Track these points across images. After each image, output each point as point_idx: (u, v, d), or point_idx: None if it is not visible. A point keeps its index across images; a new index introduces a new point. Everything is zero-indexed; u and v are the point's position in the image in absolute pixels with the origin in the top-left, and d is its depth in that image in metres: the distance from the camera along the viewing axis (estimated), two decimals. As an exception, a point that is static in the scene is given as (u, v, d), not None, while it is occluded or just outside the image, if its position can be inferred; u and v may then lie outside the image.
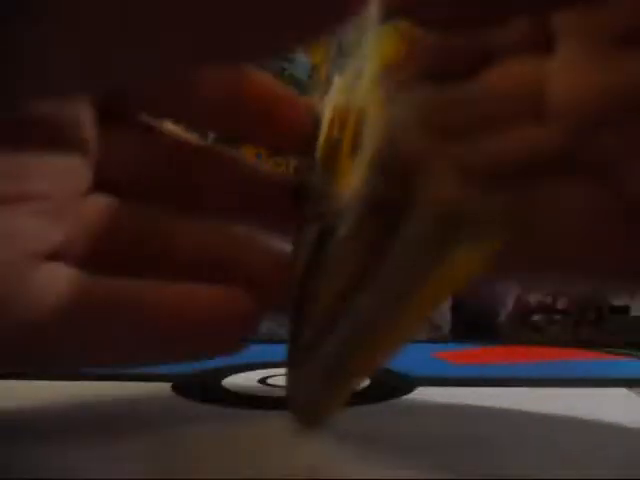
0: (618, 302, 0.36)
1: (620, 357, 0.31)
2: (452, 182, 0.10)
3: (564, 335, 0.37)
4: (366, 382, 0.25)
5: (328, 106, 0.15)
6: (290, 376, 0.14)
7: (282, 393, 0.23)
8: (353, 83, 0.13)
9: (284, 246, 0.16)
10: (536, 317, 0.38)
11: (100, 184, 0.15)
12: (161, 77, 0.12)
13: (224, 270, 0.16)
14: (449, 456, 0.15)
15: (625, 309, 0.36)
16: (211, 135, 0.19)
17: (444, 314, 0.39)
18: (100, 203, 0.15)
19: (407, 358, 0.32)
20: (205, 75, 0.15)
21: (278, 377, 0.26)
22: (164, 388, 0.23)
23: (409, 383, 0.24)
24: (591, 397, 0.22)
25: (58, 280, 0.14)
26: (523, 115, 0.10)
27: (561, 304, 0.37)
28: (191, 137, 0.17)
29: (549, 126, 0.10)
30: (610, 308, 0.36)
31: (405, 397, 0.22)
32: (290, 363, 0.14)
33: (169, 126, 0.16)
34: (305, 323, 0.13)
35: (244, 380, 0.25)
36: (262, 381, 0.25)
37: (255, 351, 0.33)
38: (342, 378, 0.12)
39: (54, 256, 0.14)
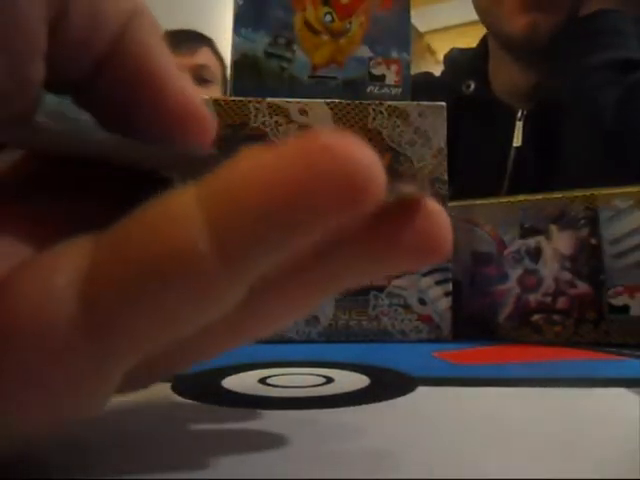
0: (618, 302, 0.36)
1: (620, 357, 0.31)
2: None
3: (564, 335, 0.37)
4: (366, 382, 0.25)
5: None
6: None
7: (282, 393, 0.23)
8: None
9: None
10: (536, 317, 0.38)
11: None
12: None
13: None
14: (449, 456, 0.16)
15: (625, 309, 0.36)
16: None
17: (444, 314, 0.39)
18: None
19: (407, 358, 0.32)
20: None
21: (278, 377, 0.26)
22: (164, 388, 0.23)
23: (409, 383, 0.24)
24: (591, 397, 0.22)
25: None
26: None
27: (561, 304, 0.37)
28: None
29: None
30: (610, 308, 0.36)
31: (405, 397, 0.22)
32: None
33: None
34: None
35: (244, 380, 0.25)
36: (262, 381, 0.25)
37: (255, 351, 0.33)
38: None
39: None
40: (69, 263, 0.10)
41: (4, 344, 0.10)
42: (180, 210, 0.10)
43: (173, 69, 0.15)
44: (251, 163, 0.09)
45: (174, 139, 0.15)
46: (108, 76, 0.14)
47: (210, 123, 0.15)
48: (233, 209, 0.09)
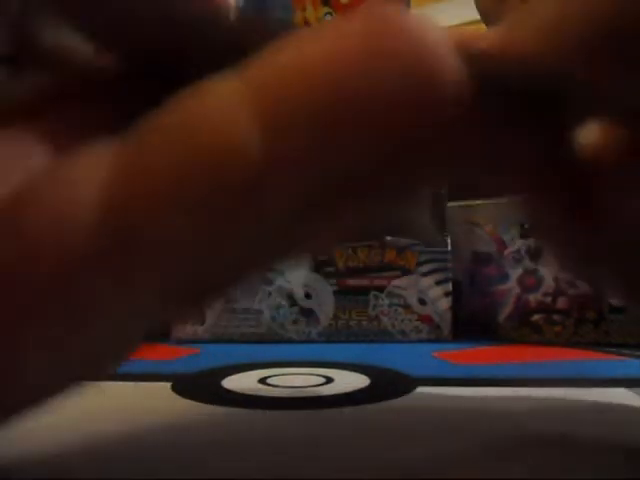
0: (618, 302, 0.36)
1: (620, 357, 0.31)
2: None
3: (564, 335, 0.37)
4: (366, 382, 0.25)
5: None
6: None
7: (282, 393, 0.23)
8: None
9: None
10: (536, 317, 0.38)
11: None
12: None
13: None
14: (449, 456, 0.15)
15: (625, 309, 0.36)
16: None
17: (444, 314, 0.39)
18: None
19: (407, 358, 0.32)
20: None
21: (278, 377, 0.26)
22: (164, 388, 0.23)
23: (409, 383, 0.24)
24: (591, 397, 0.22)
25: None
26: None
27: (561, 304, 0.37)
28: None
29: None
30: (610, 308, 0.36)
31: (405, 397, 0.22)
32: None
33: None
34: None
35: (244, 380, 0.25)
36: (262, 381, 0.25)
37: (255, 351, 0.33)
38: None
39: None
40: (91, 173, 0.09)
41: (21, 265, 0.09)
42: (222, 102, 0.08)
43: None
44: (306, 48, 0.07)
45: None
46: None
47: None
48: (290, 104, 0.07)
